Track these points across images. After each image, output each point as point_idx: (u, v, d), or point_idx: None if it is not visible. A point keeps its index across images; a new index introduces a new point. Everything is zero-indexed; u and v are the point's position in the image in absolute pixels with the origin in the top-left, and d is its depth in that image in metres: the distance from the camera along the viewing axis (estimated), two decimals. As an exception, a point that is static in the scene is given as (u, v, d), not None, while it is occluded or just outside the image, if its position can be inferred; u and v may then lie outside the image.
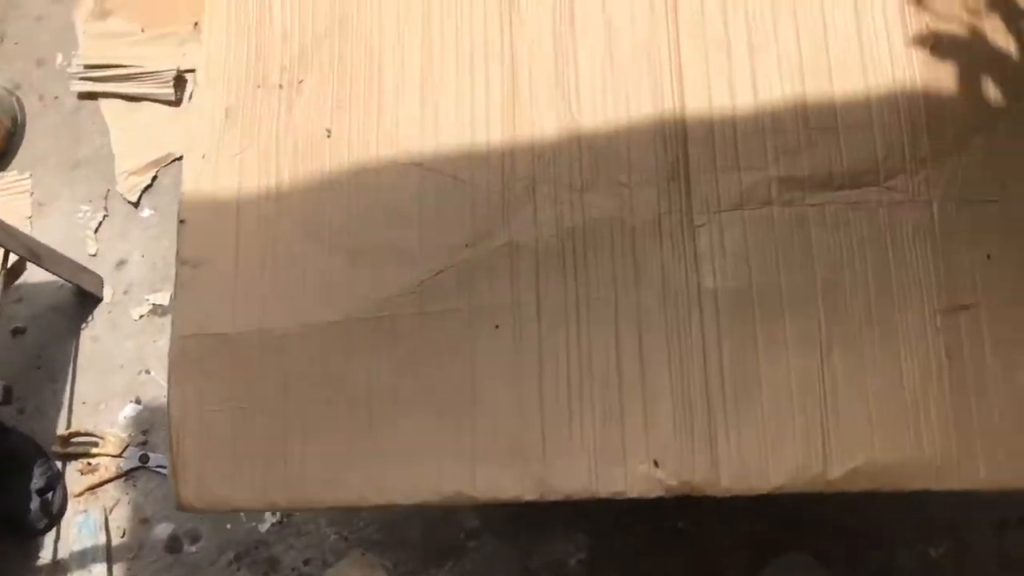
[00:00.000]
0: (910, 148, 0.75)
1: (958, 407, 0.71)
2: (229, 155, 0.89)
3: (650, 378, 0.74)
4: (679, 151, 0.77)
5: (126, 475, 1.39)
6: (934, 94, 0.76)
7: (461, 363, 0.78)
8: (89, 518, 1.33)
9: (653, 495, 0.72)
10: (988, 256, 0.73)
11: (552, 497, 0.74)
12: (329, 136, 0.86)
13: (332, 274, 0.82)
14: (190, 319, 0.86)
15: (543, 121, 0.80)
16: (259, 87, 0.90)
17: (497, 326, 0.77)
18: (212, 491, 0.82)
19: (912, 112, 0.75)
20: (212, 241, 0.87)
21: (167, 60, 1.58)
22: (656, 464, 0.72)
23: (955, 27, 0.79)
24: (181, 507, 0.83)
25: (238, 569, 1.30)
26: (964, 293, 0.73)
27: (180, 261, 0.87)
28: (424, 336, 0.79)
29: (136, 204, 1.54)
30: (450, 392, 0.77)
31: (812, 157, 0.75)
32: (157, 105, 1.60)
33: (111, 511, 1.36)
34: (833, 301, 0.73)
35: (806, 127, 0.76)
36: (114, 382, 1.44)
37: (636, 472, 0.72)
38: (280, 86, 0.89)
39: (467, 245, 0.79)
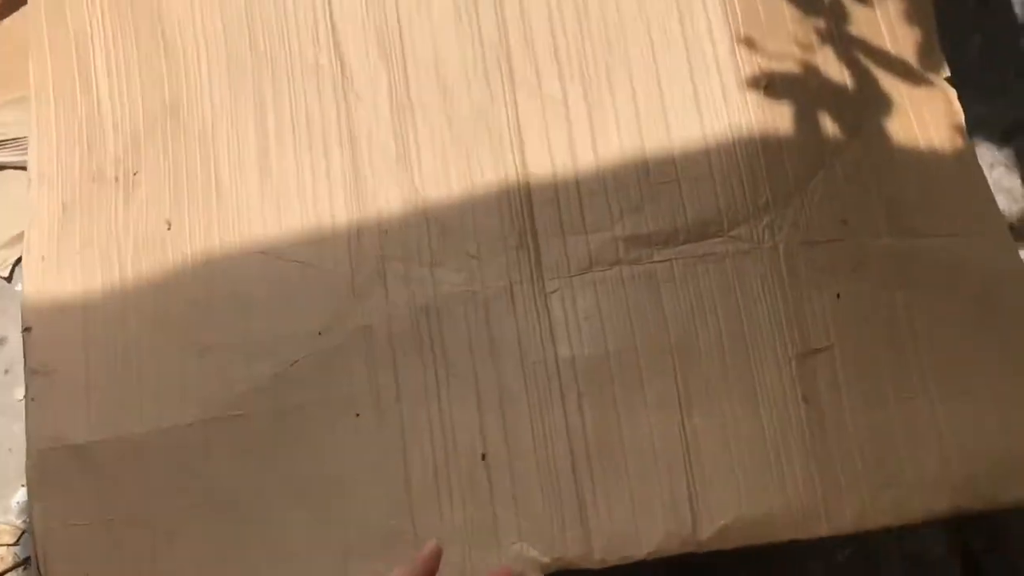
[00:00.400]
0: (751, 195, 0.74)
1: (819, 453, 0.70)
2: (69, 254, 0.84)
3: (516, 454, 0.71)
4: (525, 217, 0.75)
5: (24, 564, 1.33)
6: (771, 137, 0.76)
7: (325, 455, 0.74)
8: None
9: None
10: (838, 295, 0.73)
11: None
12: (169, 228, 0.82)
13: (184, 373, 0.78)
14: (44, 431, 0.80)
15: (387, 197, 0.78)
16: (94, 181, 0.85)
17: (358, 414, 0.74)
18: None
19: (750, 158, 0.75)
20: (60, 347, 0.82)
21: (26, 126, 1.52)
22: (528, 543, 0.70)
23: (788, 65, 0.78)
24: None
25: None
26: (817, 337, 0.72)
27: (30, 371, 0.82)
28: (284, 431, 0.75)
29: (8, 278, 1.48)
30: (317, 486, 0.74)
31: (655, 212, 0.74)
32: (21, 173, 1.54)
33: (11, 605, 1.31)
34: (688, 359, 0.72)
35: (648, 182, 0.75)
36: (3, 468, 1.39)
37: (509, 553, 0.70)
38: (116, 179, 0.84)
39: (320, 333, 0.76)
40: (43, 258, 0.85)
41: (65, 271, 0.84)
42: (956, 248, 0.77)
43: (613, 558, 0.69)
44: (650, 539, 0.69)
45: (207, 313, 0.79)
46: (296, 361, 0.76)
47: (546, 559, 0.69)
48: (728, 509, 0.69)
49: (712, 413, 0.71)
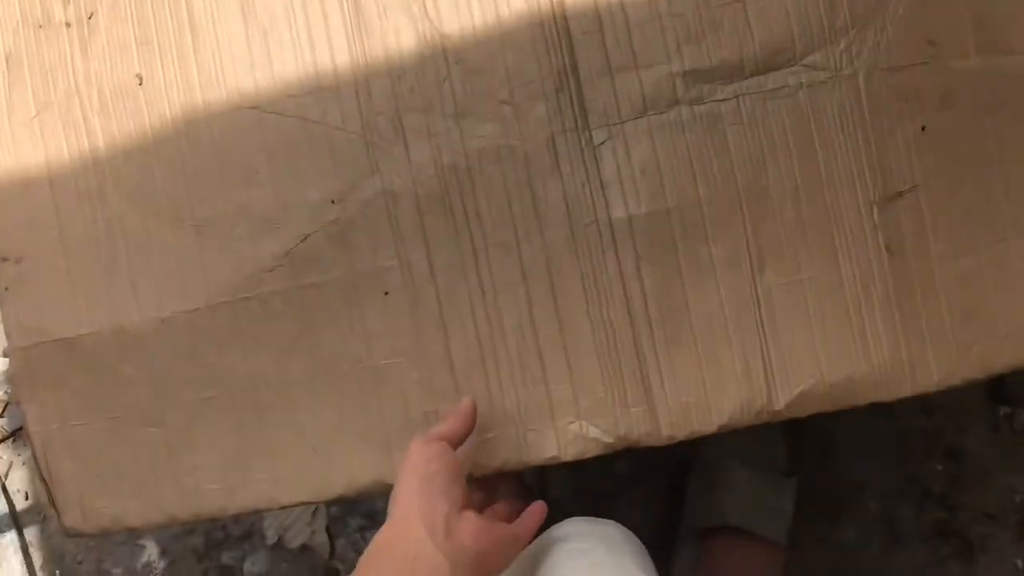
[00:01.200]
0: (827, 14, 0.61)
1: (904, 308, 0.62)
2: (24, 120, 0.70)
3: (569, 328, 0.62)
4: (564, 53, 0.62)
5: (13, 435, 1.27)
6: (846, -54, 0.63)
7: (354, 339, 0.65)
8: (-17, 486, 1.22)
9: (590, 456, 0.63)
10: (923, 128, 0.62)
11: (480, 472, 0.64)
12: (141, 83, 0.68)
13: (180, 253, 0.66)
14: (25, 326, 0.70)
15: (398, 35, 0.63)
16: (41, 27, 0.69)
17: (387, 292, 0.64)
18: (100, 512, 0.69)
19: (825, -29, 0.62)
20: (31, 229, 0.70)
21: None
22: (588, 421, 0.63)
23: None
24: (69, 534, 0.71)
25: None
26: (900, 177, 0.62)
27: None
28: (302, 315, 0.65)
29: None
30: (346, 372, 0.65)
31: (718, 41, 0.61)
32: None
33: (6, 476, 1.24)
34: (759, 210, 0.61)
35: (707, 5, 0.61)
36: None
37: (567, 435, 0.63)
38: (67, 24, 0.69)
39: (333, 201, 0.64)
40: None
41: (22, 139, 0.70)
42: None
43: (682, 434, 0.62)
44: (722, 411, 0.62)
45: (197, 182, 0.67)
46: (308, 236, 0.65)
47: (609, 439, 0.62)
48: (806, 374, 0.62)
49: (786, 269, 0.62)
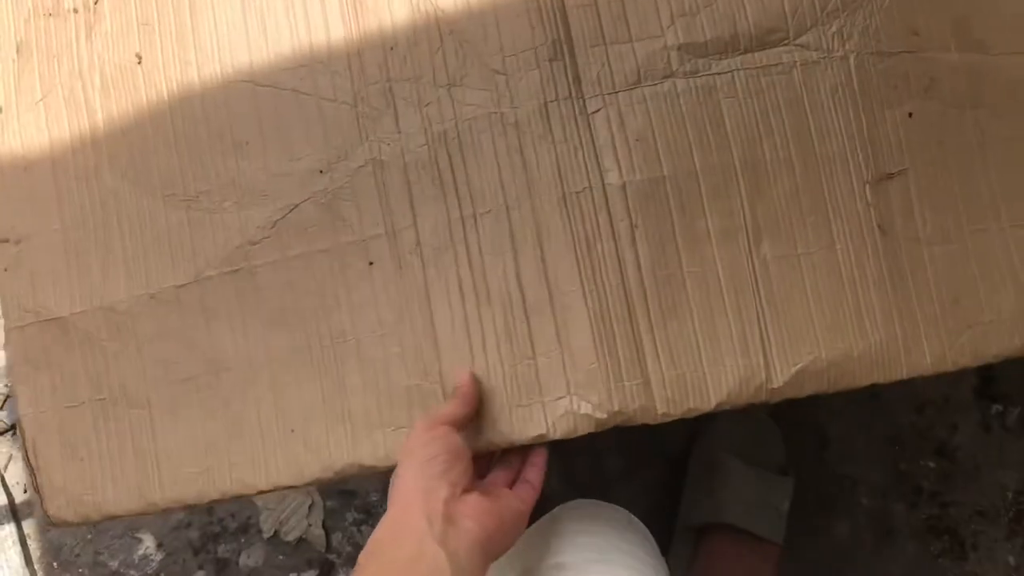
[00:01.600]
0: None
1: (898, 290, 0.58)
2: (31, 103, 0.68)
3: (559, 297, 0.58)
4: (558, 23, 0.59)
5: (11, 429, 1.22)
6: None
7: (338, 312, 0.61)
8: (-19, 479, 1.17)
9: (581, 433, 0.58)
10: (910, 115, 0.59)
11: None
12: (140, 62, 0.65)
13: (171, 228, 0.64)
14: (21, 306, 0.67)
15: (392, 7, 0.61)
16: (51, 15, 0.68)
17: (371, 263, 0.61)
18: (83, 500, 0.66)
19: (819, -51, 0.59)
20: (32, 210, 0.67)
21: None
22: (579, 396, 0.58)
23: None
24: (53, 524, 0.67)
25: (154, 502, 1.16)
26: (891, 159, 0.59)
27: (-1, 239, 0.68)
28: (288, 287, 0.62)
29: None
30: (329, 347, 0.62)
31: (712, 16, 0.58)
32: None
33: (5, 468, 1.20)
34: (755, 181, 0.58)
35: None
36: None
37: (557, 409, 0.58)
38: (75, 10, 0.67)
39: (322, 171, 0.61)
40: (0, 109, 0.69)
41: (28, 125, 0.68)
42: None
43: (677, 411, 0.58)
44: (719, 388, 0.58)
45: (189, 157, 0.64)
46: (296, 205, 0.62)
47: (601, 414, 0.58)
48: (804, 351, 0.58)
49: (783, 244, 0.58)
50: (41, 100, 0.68)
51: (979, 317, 0.59)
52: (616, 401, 0.58)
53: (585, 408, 0.58)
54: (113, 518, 0.66)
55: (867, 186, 0.59)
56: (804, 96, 0.59)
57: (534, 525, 0.66)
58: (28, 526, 1.15)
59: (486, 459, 0.61)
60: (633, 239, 0.58)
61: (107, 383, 0.65)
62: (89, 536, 1.12)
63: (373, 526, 0.83)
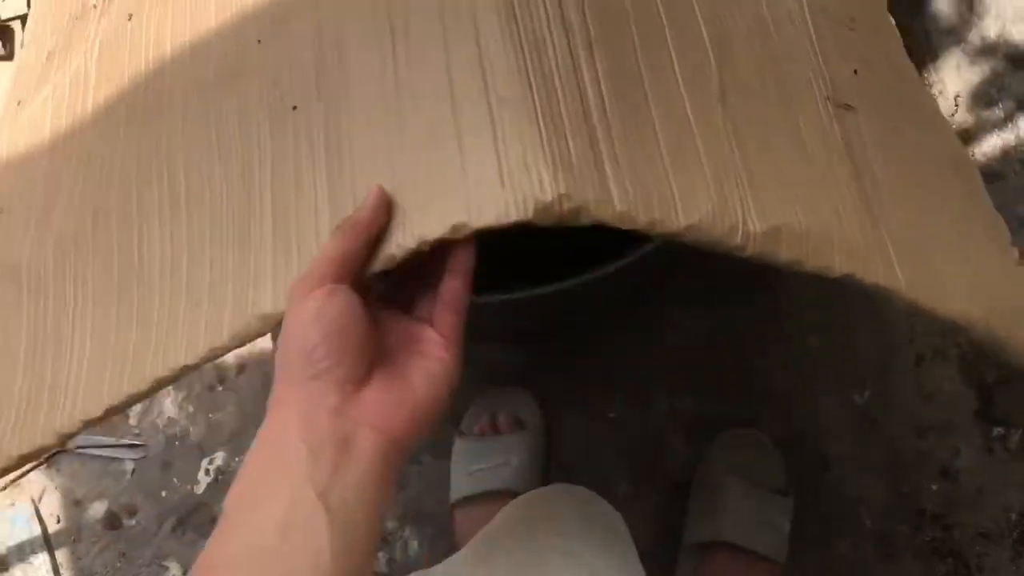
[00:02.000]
0: None
1: (871, 205, 0.52)
2: (44, 97, 0.66)
3: (495, 81, 0.44)
4: None
5: (47, 461, 1.25)
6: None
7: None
8: (18, 510, 1.20)
9: (513, 220, 0.41)
10: (855, 72, 0.59)
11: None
12: (130, 19, 0.62)
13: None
14: None
15: None
16: (77, 19, 0.68)
17: (295, 107, 0.50)
18: None
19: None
20: (19, 182, 0.64)
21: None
22: (517, 178, 0.42)
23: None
24: None
25: (183, 534, 1.18)
26: (846, 94, 0.56)
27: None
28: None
29: None
30: (245, 188, 0.51)
31: None
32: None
33: (40, 500, 1.23)
34: (720, 42, 0.52)
35: None
36: None
37: (484, 192, 0.42)
38: (95, 6, 0.68)
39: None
40: (19, 103, 0.69)
41: (37, 108, 0.67)
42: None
43: (641, 216, 0.43)
44: (690, 210, 0.44)
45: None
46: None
47: (543, 196, 0.41)
48: (782, 212, 0.47)
49: (751, 108, 0.51)
50: (52, 85, 0.67)
51: (939, 277, 0.54)
52: (564, 184, 0.41)
53: (524, 186, 0.41)
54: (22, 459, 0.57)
55: (830, 103, 0.56)
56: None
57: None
58: (61, 555, 1.18)
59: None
60: (592, 54, 0.47)
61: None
62: (119, 564, 1.15)
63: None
